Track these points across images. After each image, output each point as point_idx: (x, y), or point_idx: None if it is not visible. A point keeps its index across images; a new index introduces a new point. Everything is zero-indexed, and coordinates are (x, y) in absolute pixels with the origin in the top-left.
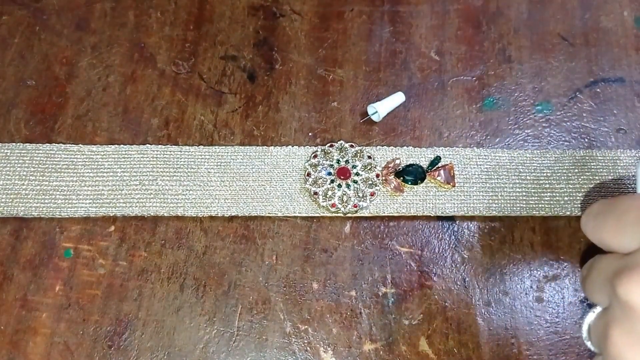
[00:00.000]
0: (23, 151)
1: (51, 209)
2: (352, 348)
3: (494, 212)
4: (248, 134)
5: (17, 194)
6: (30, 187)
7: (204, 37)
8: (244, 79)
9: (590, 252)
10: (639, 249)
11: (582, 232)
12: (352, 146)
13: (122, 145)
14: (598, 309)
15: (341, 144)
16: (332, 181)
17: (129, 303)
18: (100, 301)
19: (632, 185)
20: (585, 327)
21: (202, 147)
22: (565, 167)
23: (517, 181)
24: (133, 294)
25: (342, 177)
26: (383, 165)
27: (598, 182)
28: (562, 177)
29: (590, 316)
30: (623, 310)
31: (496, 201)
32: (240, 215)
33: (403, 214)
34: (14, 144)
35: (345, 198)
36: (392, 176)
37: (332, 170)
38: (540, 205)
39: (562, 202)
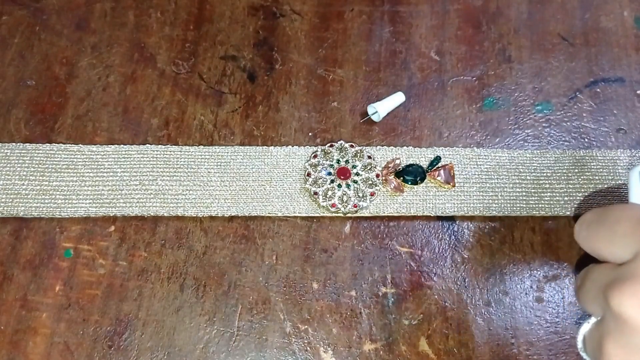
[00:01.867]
0: (23, 151)
1: (51, 209)
2: (352, 348)
3: (494, 212)
4: (248, 134)
5: (17, 194)
6: (30, 187)
7: (204, 37)
8: (244, 79)
9: (587, 255)
10: (632, 259)
11: None
12: (352, 146)
13: (122, 145)
14: (593, 320)
15: (341, 144)
16: (332, 181)
17: (129, 303)
18: (100, 301)
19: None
20: (580, 338)
21: (202, 147)
22: (565, 167)
23: (517, 181)
24: (133, 294)
25: (342, 177)
26: (383, 165)
27: (598, 182)
28: (562, 177)
29: (585, 327)
30: (616, 322)
31: (496, 201)
32: (240, 215)
33: (403, 214)
34: (14, 144)
35: (345, 198)
36: (392, 176)
37: (332, 170)
38: (540, 205)
39: (562, 202)
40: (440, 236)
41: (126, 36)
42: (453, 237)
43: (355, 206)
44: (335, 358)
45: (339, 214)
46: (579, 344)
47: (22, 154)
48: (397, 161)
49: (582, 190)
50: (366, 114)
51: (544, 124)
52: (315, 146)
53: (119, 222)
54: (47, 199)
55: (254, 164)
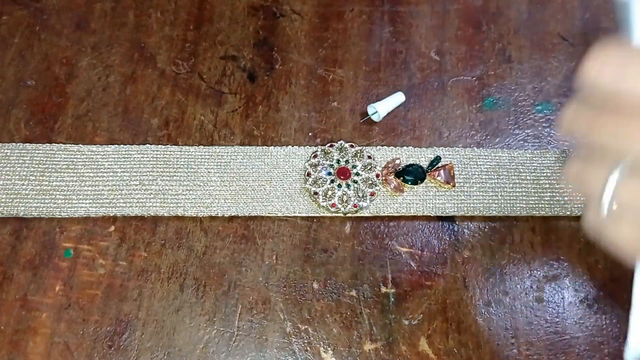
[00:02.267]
0: (23, 151)
1: (51, 209)
2: (352, 348)
3: (494, 212)
4: (248, 134)
5: (17, 194)
6: (30, 187)
7: (204, 37)
8: (244, 79)
9: (591, 252)
10: None
11: (582, 232)
12: (352, 146)
13: (122, 145)
14: (620, 167)
15: (341, 144)
16: (332, 181)
17: (129, 303)
18: (100, 301)
19: None
20: (607, 195)
21: (202, 147)
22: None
23: (517, 181)
24: (133, 294)
25: (342, 177)
26: (383, 165)
27: None
28: (562, 177)
29: (612, 181)
30: None
31: (496, 201)
32: (240, 215)
33: (403, 214)
34: (14, 144)
35: (345, 198)
36: (392, 176)
37: (332, 170)
38: (540, 205)
39: (562, 202)
40: (440, 236)
41: (126, 36)
42: (453, 237)
43: (355, 206)
44: (335, 358)
45: (339, 214)
46: (605, 205)
47: (22, 154)
48: (397, 161)
49: None
50: (366, 114)
51: (544, 124)
52: (315, 146)
53: (119, 222)
54: (47, 199)
55: (254, 164)
